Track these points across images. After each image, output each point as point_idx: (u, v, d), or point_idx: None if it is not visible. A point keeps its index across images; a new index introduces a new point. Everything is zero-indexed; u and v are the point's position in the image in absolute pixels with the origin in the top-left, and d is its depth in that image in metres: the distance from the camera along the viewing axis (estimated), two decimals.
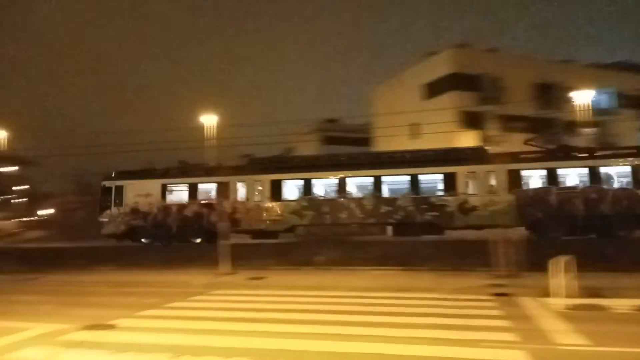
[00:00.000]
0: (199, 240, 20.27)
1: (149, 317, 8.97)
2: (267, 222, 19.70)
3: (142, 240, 20.89)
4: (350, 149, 48.08)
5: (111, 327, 8.10)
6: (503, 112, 31.26)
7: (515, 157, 18.42)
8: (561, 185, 18.09)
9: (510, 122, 31.33)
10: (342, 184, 18.63)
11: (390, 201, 17.95)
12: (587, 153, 18.44)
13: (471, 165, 18.47)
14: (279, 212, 19.48)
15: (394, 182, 18.99)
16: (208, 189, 20.79)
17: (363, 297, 10.57)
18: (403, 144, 34.65)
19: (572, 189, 17.88)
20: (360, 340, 6.83)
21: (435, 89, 35.02)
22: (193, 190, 20.52)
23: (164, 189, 20.53)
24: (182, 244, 20.04)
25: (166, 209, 20.31)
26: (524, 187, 18.25)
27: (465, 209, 18.11)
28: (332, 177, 19.00)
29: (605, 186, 17.71)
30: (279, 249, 17.11)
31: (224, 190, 20.11)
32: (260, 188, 19.91)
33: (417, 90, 36.66)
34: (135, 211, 20.66)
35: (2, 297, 11.97)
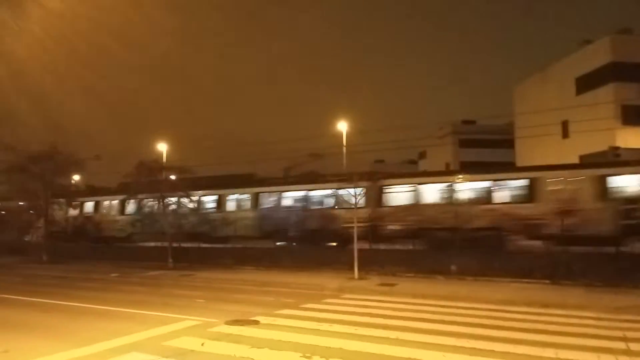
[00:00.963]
0: (87, 241, 28.03)
1: (285, 316, 9.50)
2: (117, 230, 27.79)
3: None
4: (489, 152, 45.49)
5: (252, 323, 8.79)
6: None
7: (261, 183, 25.70)
8: (288, 206, 23.45)
9: None
10: (159, 202, 23.20)
11: (182, 216, 22.56)
12: (315, 180, 24.28)
13: (232, 189, 25.56)
14: (123, 223, 27.35)
15: (190, 201, 24.03)
16: (93, 205, 30.44)
17: (502, 311, 9.91)
18: (550, 144, 31.75)
19: (291, 208, 23.13)
20: (497, 357, 6.40)
21: (590, 81, 31.31)
22: (90, 206, 30.17)
23: (82, 205, 29.22)
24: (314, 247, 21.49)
25: (75, 219, 29.49)
26: (265, 207, 24.11)
27: (226, 223, 24.11)
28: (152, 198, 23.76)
29: (311, 207, 22.71)
30: (408, 255, 16.82)
31: (98, 207, 30.07)
32: (115, 206, 28.81)
33: (566, 85, 33.23)
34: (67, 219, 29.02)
35: (167, 291, 13.81)
